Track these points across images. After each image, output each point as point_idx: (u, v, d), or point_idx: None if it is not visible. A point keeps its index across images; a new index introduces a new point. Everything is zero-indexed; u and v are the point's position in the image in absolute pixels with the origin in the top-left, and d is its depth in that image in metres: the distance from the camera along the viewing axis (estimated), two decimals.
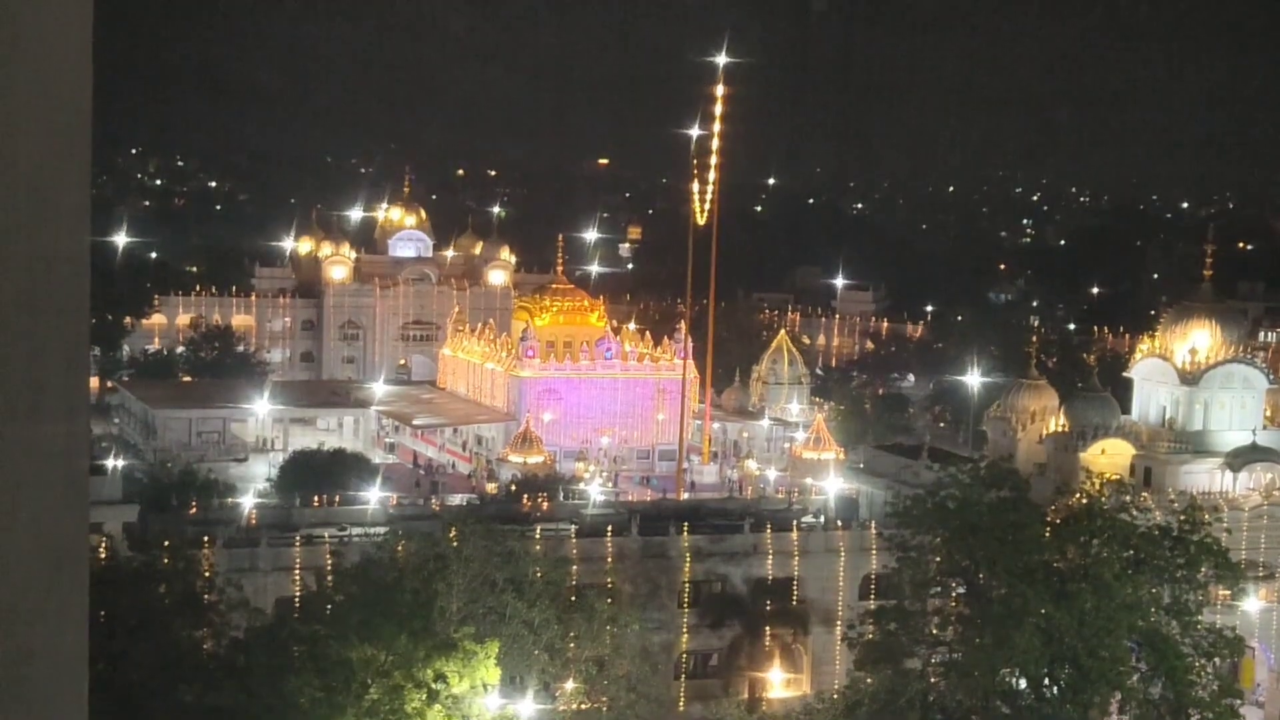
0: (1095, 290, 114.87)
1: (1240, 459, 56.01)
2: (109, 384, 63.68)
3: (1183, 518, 44.66)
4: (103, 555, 39.09)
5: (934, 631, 43.78)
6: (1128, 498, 47.56)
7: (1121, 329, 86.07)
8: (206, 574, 40.71)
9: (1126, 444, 57.63)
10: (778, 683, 49.50)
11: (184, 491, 52.42)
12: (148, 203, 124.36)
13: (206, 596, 39.16)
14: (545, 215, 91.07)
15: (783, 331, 79.13)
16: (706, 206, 65.76)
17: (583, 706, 41.71)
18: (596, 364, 66.10)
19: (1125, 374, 62.64)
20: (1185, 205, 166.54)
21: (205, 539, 44.72)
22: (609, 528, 50.83)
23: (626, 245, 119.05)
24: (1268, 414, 59.16)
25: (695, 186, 66.33)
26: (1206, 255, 60.50)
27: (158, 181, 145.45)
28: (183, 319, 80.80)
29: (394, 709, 33.64)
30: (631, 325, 72.78)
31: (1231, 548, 46.48)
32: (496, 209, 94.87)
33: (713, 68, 62.45)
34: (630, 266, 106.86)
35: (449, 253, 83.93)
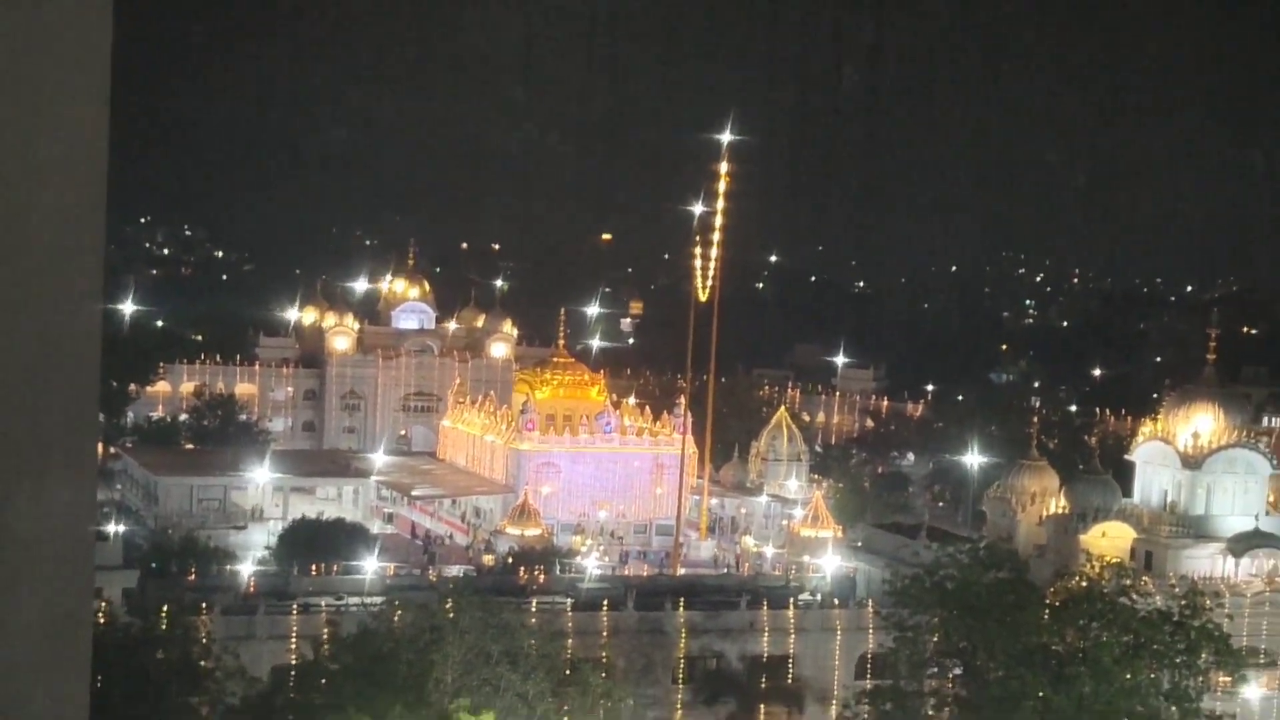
0: (1097, 372, 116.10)
1: (1242, 544, 55.94)
2: (112, 450, 64.41)
3: (1183, 603, 44.67)
4: (102, 620, 39.04)
5: (930, 713, 43.94)
6: (1128, 581, 47.33)
7: (1124, 411, 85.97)
8: (204, 640, 41.42)
9: (1127, 527, 57.70)
10: None
11: (184, 558, 53.33)
12: (154, 271, 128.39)
13: (203, 663, 39.56)
14: (548, 289, 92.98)
15: (782, 408, 79.24)
16: (708, 283, 66.42)
17: None
18: (595, 438, 66.49)
19: (1127, 456, 62.65)
20: (1190, 288, 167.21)
21: (203, 606, 45.17)
22: (605, 602, 50.94)
23: (628, 320, 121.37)
24: (1270, 500, 59.00)
25: (697, 263, 67.11)
26: (1210, 339, 60.83)
27: (165, 250, 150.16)
28: (187, 387, 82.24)
29: None
30: (631, 400, 73.46)
31: (1232, 634, 46.65)
32: (499, 282, 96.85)
33: (717, 145, 63.59)
34: (631, 341, 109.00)
35: (451, 325, 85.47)
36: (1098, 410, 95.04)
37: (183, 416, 77.44)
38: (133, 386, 76.90)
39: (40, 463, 1.71)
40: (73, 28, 1.91)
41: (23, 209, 1.75)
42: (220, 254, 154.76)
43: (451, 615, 41.39)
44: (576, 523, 62.90)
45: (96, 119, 1.87)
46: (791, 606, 53.41)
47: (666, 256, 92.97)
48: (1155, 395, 70.43)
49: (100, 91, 1.92)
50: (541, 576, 54.62)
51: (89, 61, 1.92)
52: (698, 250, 67.66)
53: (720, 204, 65.23)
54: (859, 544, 63.24)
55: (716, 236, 66.21)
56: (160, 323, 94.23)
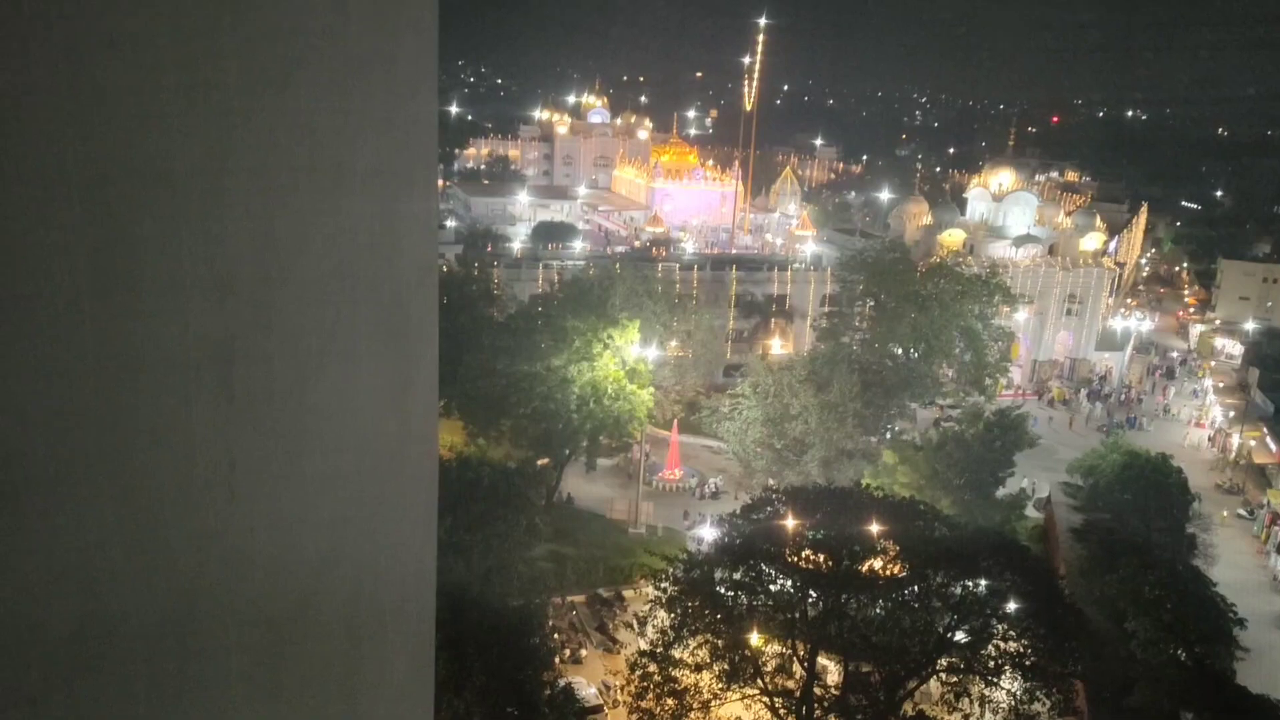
0: (952, 150, 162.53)
1: (1020, 241, 75.37)
2: (445, 183, 79.75)
3: (989, 270, 59.52)
4: (445, 269, 51.67)
5: (857, 324, 58.12)
6: (960, 260, 63.57)
7: (964, 170, 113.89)
8: (495, 280, 57.13)
9: (962, 232, 75.94)
10: (777, 347, 63.31)
11: (485, 239, 67.27)
12: (465, 90, 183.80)
13: (496, 293, 54.67)
14: (667, 104, 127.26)
15: (788, 167, 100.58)
16: (751, 100, 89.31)
17: (678, 354, 56.02)
18: (692, 181, 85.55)
19: (964, 195, 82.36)
20: (1002, 106, 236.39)
21: (495, 263, 61.17)
22: (695, 265, 65.61)
23: (710, 120, 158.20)
24: (1036, 219, 77.08)
25: (746, 88, 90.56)
26: (1010, 133, 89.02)
27: (471, 78, 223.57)
28: (484, 151, 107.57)
29: (586, 353, 43.26)
30: (710, 161, 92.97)
31: (1012, 287, 60.68)
32: (643, 99, 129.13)
33: (756, 24, 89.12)
34: (710, 131, 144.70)
35: (618, 120, 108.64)
36: (951, 170, 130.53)
37: (482, 166, 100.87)
38: (455, 150, 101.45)
39: (407, 187, 1.90)
40: None
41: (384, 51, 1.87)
42: (500, 81, 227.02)
43: (619, 270, 56.47)
44: (683, 225, 78.45)
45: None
46: (790, 269, 67.89)
47: (731, 86, 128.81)
48: (980, 162, 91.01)
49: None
50: (664, 252, 69.47)
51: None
52: (747, 82, 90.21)
53: (759, 57, 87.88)
54: (825, 239, 78.12)
55: (756, 75, 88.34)
56: (469, 117, 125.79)
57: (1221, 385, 69.10)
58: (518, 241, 69.87)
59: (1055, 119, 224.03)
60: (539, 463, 43.85)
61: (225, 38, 1.82)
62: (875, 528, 28.92)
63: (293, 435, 2.00)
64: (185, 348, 1.89)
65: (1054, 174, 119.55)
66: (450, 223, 70.92)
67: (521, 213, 79.72)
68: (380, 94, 1.96)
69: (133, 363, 1.85)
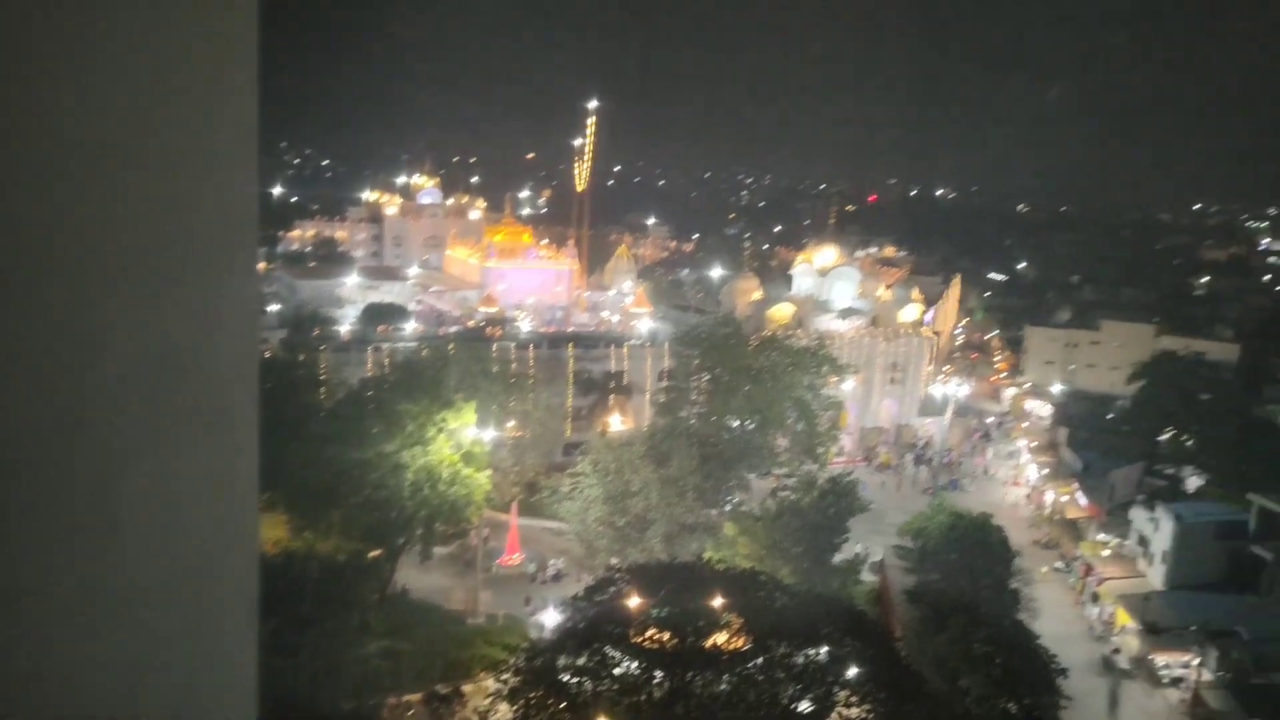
0: (778, 228, 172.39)
1: (845, 314, 77.80)
2: (268, 265, 78.96)
3: (817, 342, 62.43)
4: (268, 355, 51.45)
5: (693, 398, 58.15)
6: (790, 333, 66.32)
7: (790, 248, 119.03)
8: (323, 366, 56.26)
9: (791, 306, 77.87)
10: (617, 423, 63.35)
11: (311, 323, 65.43)
12: (289, 171, 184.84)
13: (323, 378, 54.11)
14: (500, 185, 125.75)
15: (622, 245, 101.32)
16: (584, 180, 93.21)
17: (516, 434, 55.05)
18: (527, 260, 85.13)
19: (791, 270, 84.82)
20: (823, 186, 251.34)
21: (321, 348, 60.00)
22: (531, 344, 65.42)
23: (543, 199, 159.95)
24: (859, 292, 79.69)
25: (578, 169, 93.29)
26: (832, 212, 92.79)
27: (295, 160, 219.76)
28: (309, 233, 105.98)
29: (419, 438, 41.75)
30: (545, 241, 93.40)
31: (840, 358, 62.54)
32: (475, 179, 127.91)
33: (586, 107, 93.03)
34: (544, 211, 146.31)
35: (450, 201, 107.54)
36: (778, 247, 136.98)
37: (308, 249, 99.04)
38: (280, 232, 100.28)
39: (225, 271, 1.90)
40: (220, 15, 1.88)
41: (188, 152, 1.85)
42: (326, 162, 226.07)
43: (453, 350, 55.98)
44: (517, 305, 76.78)
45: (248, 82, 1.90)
46: (627, 346, 68.30)
47: (562, 167, 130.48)
48: (805, 241, 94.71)
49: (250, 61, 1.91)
50: (499, 332, 68.47)
51: (239, 49, 1.89)
52: (578, 162, 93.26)
53: (590, 139, 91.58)
54: (660, 315, 77.89)
55: (588, 155, 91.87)
56: (293, 199, 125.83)
57: (1034, 445, 72.33)
58: (346, 324, 68.75)
59: (873, 197, 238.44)
60: (371, 554, 42.13)
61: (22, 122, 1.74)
62: (719, 601, 28.88)
63: (95, 540, 1.85)
64: None
65: (873, 249, 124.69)
66: (274, 307, 69.74)
67: (350, 295, 78.31)
68: (197, 176, 1.92)
69: None
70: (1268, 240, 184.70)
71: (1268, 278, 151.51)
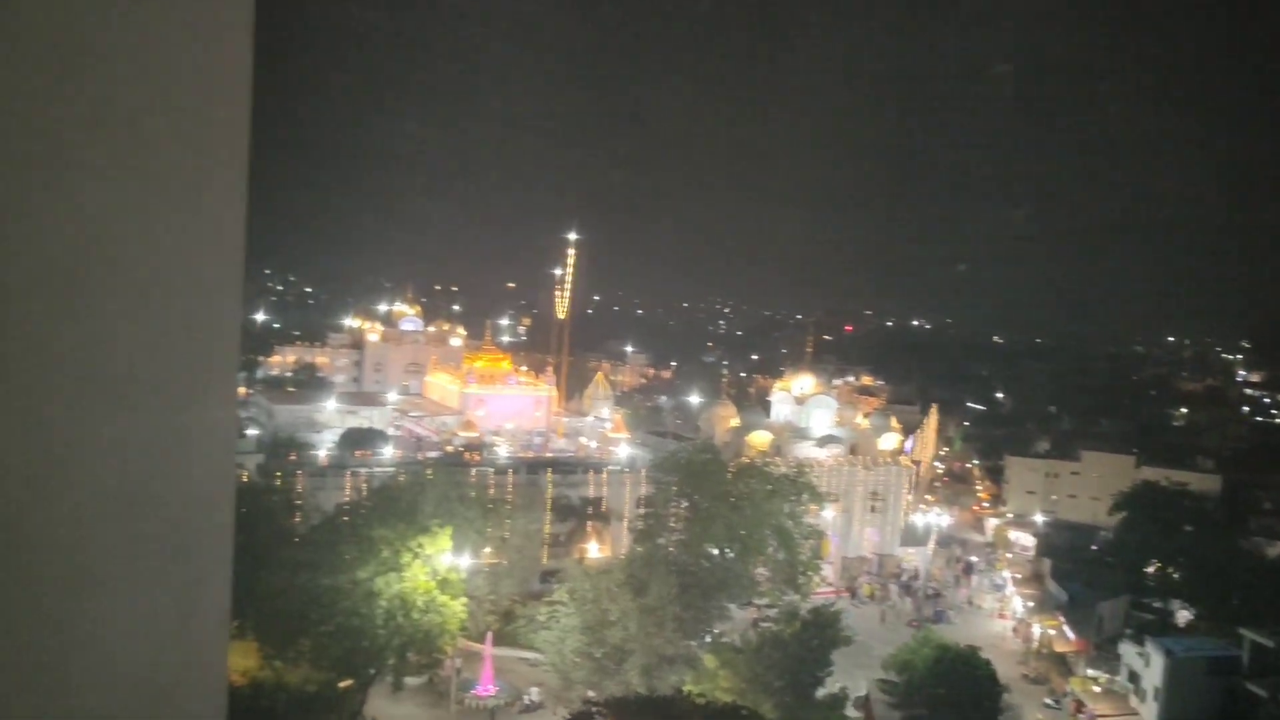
0: (755, 356, 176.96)
1: (824, 441, 79.18)
2: (247, 391, 78.32)
3: (796, 470, 60.88)
4: (244, 478, 51.23)
5: (672, 525, 55.07)
6: (768, 460, 64.48)
7: (767, 376, 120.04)
8: (298, 489, 56.10)
9: (769, 433, 79.34)
10: (594, 550, 63.03)
11: (287, 448, 65.30)
12: (273, 298, 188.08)
13: (298, 502, 53.59)
14: (480, 312, 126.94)
15: (600, 373, 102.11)
16: (563, 309, 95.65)
17: (492, 561, 54.44)
18: (505, 386, 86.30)
19: (769, 398, 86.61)
20: (799, 316, 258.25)
21: (298, 472, 59.42)
22: (510, 469, 65.19)
23: (523, 328, 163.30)
24: (837, 420, 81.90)
25: (558, 298, 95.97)
26: (809, 342, 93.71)
27: (279, 287, 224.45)
28: (290, 358, 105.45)
29: (394, 564, 41.27)
30: (524, 367, 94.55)
31: (819, 485, 61.80)
32: (456, 307, 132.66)
33: (566, 239, 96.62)
34: (524, 338, 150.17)
35: (430, 328, 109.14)
36: (756, 376, 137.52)
37: (289, 373, 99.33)
38: (260, 358, 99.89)
39: (203, 395, 1.93)
40: (212, 100, 1.92)
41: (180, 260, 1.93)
42: (309, 289, 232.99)
43: (430, 475, 54.21)
44: (496, 429, 77.87)
45: (237, 181, 1.95)
46: (605, 472, 68.42)
47: (543, 296, 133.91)
48: (782, 369, 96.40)
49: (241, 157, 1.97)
50: (478, 457, 69.19)
51: (230, 142, 1.94)
52: (559, 291, 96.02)
53: (570, 269, 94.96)
54: (640, 442, 78.47)
55: (568, 285, 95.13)
56: (275, 325, 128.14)
57: (1019, 577, 71.80)
58: (324, 449, 68.77)
59: (849, 328, 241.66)
60: (341, 684, 40.87)
61: (14, 243, 1.78)
62: None
63: (51, 673, 1.79)
64: None
65: (850, 378, 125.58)
66: (251, 431, 68.95)
67: (329, 420, 78.12)
68: (183, 302, 1.95)
69: None
70: (1243, 373, 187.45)
71: (1246, 409, 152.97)
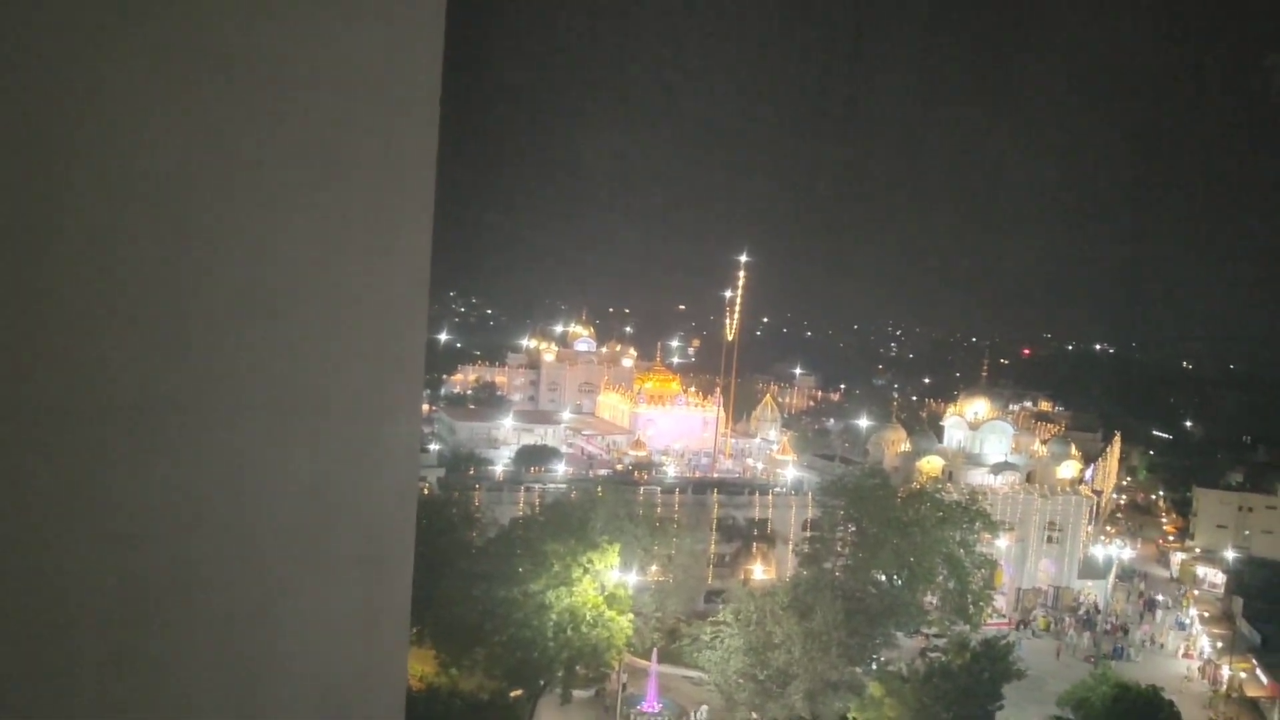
0: (927, 380, 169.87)
1: (998, 469, 74.85)
2: (431, 408, 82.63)
3: (968, 497, 59.03)
4: (425, 493, 51.42)
5: (838, 549, 55.35)
6: (940, 486, 63.01)
7: (940, 400, 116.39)
8: (476, 504, 54.39)
9: (940, 459, 75.47)
10: (759, 572, 61.93)
11: (467, 463, 67.06)
12: (456, 319, 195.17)
13: (476, 515, 52.42)
14: (651, 334, 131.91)
15: (768, 394, 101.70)
16: (732, 330, 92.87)
17: (658, 578, 53.87)
18: (674, 407, 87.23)
19: (941, 423, 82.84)
20: (974, 339, 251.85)
21: (476, 486, 59.53)
22: (677, 489, 64.58)
23: (692, 349, 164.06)
24: (1012, 447, 77.03)
25: (727, 319, 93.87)
26: (984, 365, 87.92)
27: (462, 309, 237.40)
28: (471, 377, 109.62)
29: (565, 578, 41.52)
30: (693, 388, 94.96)
31: (992, 513, 59.51)
32: (628, 328, 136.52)
33: (737, 261, 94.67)
34: (693, 359, 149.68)
35: (603, 349, 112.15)
36: (927, 399, 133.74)
37: (469, 391, 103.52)
38: (444, 376, 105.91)
39: (390, 412, 1.96)
40: (402, 131, 1.94)
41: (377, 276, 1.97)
42: (490, 311, 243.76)
43: (600, 493, 54.54)
44: (664, 449, 78.82)
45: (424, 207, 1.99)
46: (771, 494, 67.14)
47: (713, 318, 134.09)
48: (955, 392, 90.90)
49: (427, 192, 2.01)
50: (646, 476, 69.33)
51: (418, 170, 1.98)
52: (728, 313, 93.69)
53: (739, 291, 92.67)
54: (806, 465, 76.67)
55: (737, 307, 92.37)
56: (458, 344, 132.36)
57: (1206, 615, 68.04)
58: (501, 464, 70.10)
59: (1026, 351, 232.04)
60: (512, 694, 42.18)
61: (216, 264, 1.86)
62: None
63: (249, 668, 1.91)
64: (139, 577, 1.82)
65: (1027, 404, 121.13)
66: (434, 446, 71.30)
67: (506, 436, 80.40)
68: (372, 323, 2.01)
69: (81, 596, 1.80)
70: None
71: None
